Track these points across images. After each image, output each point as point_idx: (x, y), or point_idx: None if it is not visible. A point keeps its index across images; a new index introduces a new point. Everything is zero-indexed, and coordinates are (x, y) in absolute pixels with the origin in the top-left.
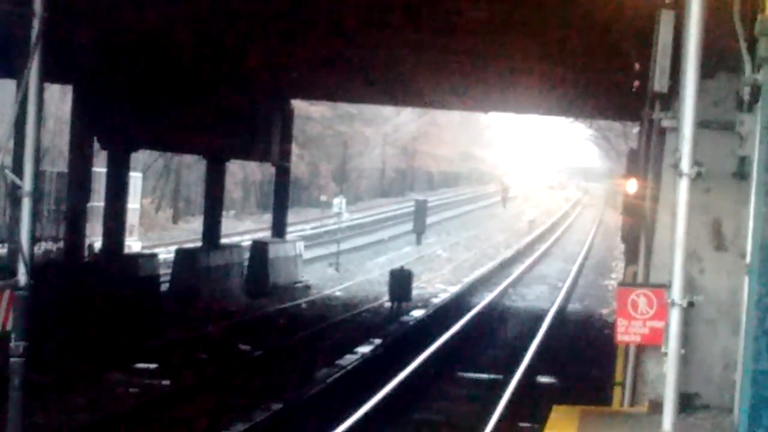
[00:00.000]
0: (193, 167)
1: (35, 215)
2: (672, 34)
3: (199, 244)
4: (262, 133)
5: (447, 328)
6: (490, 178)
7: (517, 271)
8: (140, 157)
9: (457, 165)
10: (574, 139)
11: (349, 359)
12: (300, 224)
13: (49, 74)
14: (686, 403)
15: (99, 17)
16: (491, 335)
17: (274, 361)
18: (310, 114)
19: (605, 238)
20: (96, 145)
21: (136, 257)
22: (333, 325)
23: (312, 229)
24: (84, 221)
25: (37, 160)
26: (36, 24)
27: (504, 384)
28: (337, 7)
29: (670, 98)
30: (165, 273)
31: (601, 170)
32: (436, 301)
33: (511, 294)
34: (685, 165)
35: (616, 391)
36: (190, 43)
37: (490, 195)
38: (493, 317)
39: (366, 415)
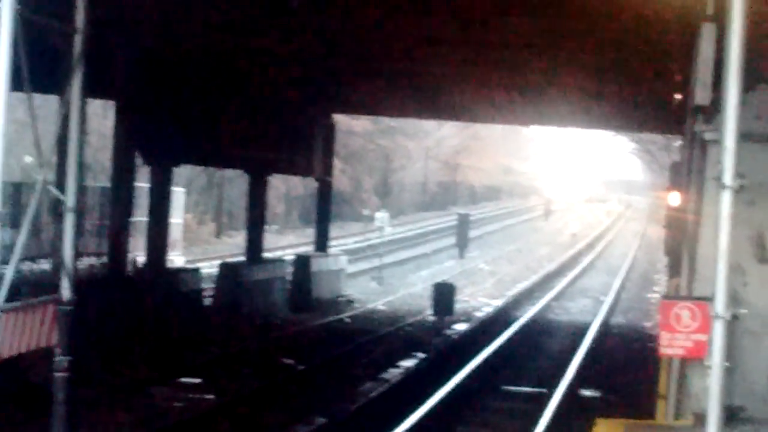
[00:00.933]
0: (235, 182)
1: (78, 230)
2: (713, 47)
3: (242, 258)
4: (303, 147)
5: (490, 342)
6: (531, 191)
7: (560, 284)
8: (183, 172)
9: (499, 178)
10: (616, 152)
11: (392, 373)
12: (343, 238)
13: (90, 90)
14: (730, 416)
15: (141, 32)
16: (534, 349)
17: (318, 376)
18: (351, 128)
19: (648, 251)
20: (139, 161)
21: (179, 272)
22: (376, 338)
23: (355, 243)
24: (127, 236)
25: (80, 175)
26: (78, 39)
27: (547, 397)
28: (382, 21)
29: (713, 111)
30: (208, 287)
31: (643, 183)
32: (479, 314)
33: (555, 307)
34: (728, 177)
35: (660, 405)
36: (231, 58)
37: (532, 208)
38: (536, 331)
39: (410, 429)
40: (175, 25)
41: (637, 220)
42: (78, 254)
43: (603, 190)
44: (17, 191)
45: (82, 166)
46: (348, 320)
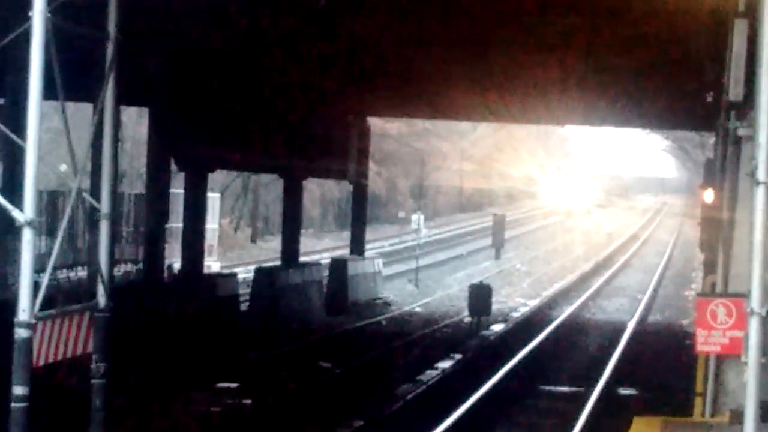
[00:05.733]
0: (270, 186)
1: (114, 237)
2: (746, 43)
3: (278, 262)
4: (338, 151)
5: (527, 342)
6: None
7: (597, 283)
8: (218, 178)
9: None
10: (650, 149)
11: (429, 375)
12: (379, 241)
13: (124, 97)
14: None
15: (174, 38)
16: (572, 348)
17: (355, 378)
18: (386, 131)
19: (684, 249)
20: (174, 167)
21: (215, 277)
22: (413, 341)
23: (390, 245)
24: (163, 242)
25: (115, 182)
26: (110, 47)
27: (585, 396)
28: (414, 24)
29: (745, 107)
30: (244, 292)
31: (679, 181)
32: (515, 315)
33: (591, 307)
34: (762, 173)
35: (697, 402)
36: (265, 63)
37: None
38: (573, 330)
39: (447, 430)
40: (209, 32)
41: (674, 216)
42: (114, 261)
43: (627, 188)
44: (53, 199)
45: (116, 174)
46: (384, 323)
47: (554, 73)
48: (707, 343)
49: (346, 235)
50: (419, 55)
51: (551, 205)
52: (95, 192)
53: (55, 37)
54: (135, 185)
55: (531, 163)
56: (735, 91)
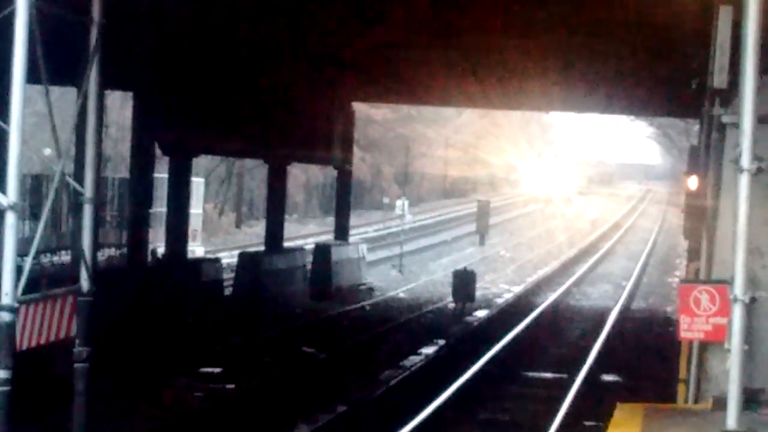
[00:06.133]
0: (255, 171)
1: (98, 222)
2: (730, 30)
3: (262, 248)
4: (323, 136)
5: (511, 328)
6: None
7: (581, 270)
8: (202, 162)
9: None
10: (634, 136)
11: (413, 360)
12: (363, 227)
13: (108, 81)
14: (751, 398)
15: (157, 22)
16: (555, 334)
17: (339, 364)
18: (371, 117)
19: (668, 236)
20: (158, 152)
21: (199, 262)
22: (397, 326)
23: (375, 231)
24: (146, 227)
25: (98, 166)
26: (94, 31)
27: (568, 383)
28: (398, 11)
29: (730, 94)
30: (228, 277)
31: (663, 167)
32: (499, 301)
33: (575, 293)
34: (746, 160)
35: (680, 388)
36: (249, 48)
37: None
38: (557, 316)
39: (431, 415)
40: (192, 15)
41: (658, 203)
42: (98, 246)
43: (609, 174)
44: (37, 183)
45: (100, 158)
46: (368, 308)
47: (536, 59)
48: (690, 329)
49: (331, 220)
50: (402, 41)
51: (531, 192)
52: (79, 176)
53: (39, 20)
54: (119, 169)
55: (512, 150)
56: (719, 78)
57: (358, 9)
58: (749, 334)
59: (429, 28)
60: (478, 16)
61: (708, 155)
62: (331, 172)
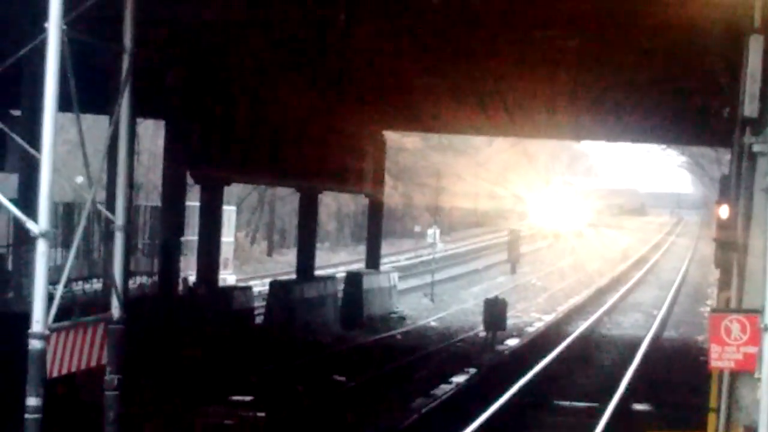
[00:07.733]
0: (286, 200)
1: (129, 249)
2: (761, 58)
3: (293, 276)
4: (354, 165)
5: (542, 357)
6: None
7: (612, 299)
8: (234, 191)
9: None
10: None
11: (444, 389)
12: (394, 255)
13: (141, 110)
14: None
15: (190, 52)
16: (587, 363)
17: (370, 392)
18: (402, 145)
19: (700, 265)
20: (190, 180)
21: (230, 290)
22: (428, 355)
23: (406, 259)
24: (178, 255)
25: (130, 194)
26: (126, 59)
27: (600, 411)
28: (427, 40)
29: (761, 123)
30: (260, 306)
31: (695, 196)
32: (530, 330)
33: (606, 322)
34: None
35: (711, 418)
36: (280, 77)
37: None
38: (589, 345)
39: None
40: (224, 45)
41: (688, 234)
42: (129, 273)
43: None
44: (69, 211)
45: (132, 186)
46: (399, 337)
47: (568, 88)
48: (721, 358)
49: (362, 249)
50: (431, 70)
51: (537, 225)
52: (111, 204)
53: (71, 48)
54: (151, 197)
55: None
56: (750, 107)
57: (390, 42)
58: None
59: (459, 57)
60: (509, 47)
61: (739, 184)
62: (363, 201)
